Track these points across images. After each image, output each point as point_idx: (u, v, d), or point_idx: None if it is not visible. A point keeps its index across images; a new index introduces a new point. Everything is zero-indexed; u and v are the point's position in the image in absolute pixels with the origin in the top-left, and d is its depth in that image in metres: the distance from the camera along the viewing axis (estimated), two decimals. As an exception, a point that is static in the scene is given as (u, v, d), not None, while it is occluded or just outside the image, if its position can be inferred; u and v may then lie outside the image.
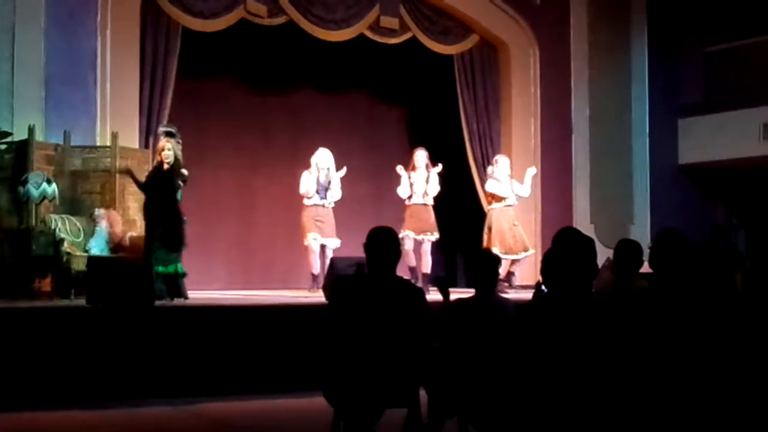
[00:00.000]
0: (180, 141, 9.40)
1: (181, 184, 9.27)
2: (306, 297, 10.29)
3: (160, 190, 9.12)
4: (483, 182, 12.79)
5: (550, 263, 4.00)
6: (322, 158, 10.94)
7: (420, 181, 11.21)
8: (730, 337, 3.87)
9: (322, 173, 10.90)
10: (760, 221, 14.82)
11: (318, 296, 10.22)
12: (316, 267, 10.89)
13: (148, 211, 9.22)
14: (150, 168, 9.63)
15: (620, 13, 14.35)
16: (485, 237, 11.68)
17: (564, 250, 3.99)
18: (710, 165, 14.48)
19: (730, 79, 14.24)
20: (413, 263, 11.19)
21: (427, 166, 11.26)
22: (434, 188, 11.27)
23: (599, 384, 3.89)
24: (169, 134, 9.35)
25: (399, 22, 12.57)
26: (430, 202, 11.35)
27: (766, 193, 14.78)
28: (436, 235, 11.42)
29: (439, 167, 11.26)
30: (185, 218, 9.38)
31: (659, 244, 4.70)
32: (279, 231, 12.78)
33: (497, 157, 12.03)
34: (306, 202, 10.91)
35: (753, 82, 13.83)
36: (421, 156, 11.29)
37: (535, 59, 13.57)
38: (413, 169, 11.27)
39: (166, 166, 9.16)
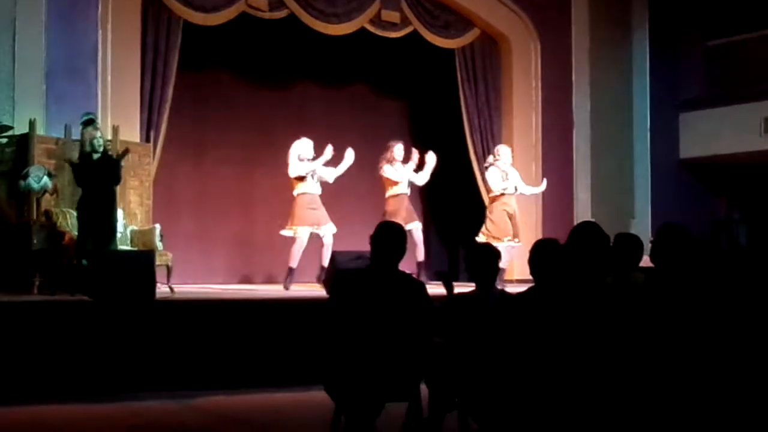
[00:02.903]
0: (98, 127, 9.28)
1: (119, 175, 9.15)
2: (283, 292, 10.21)
3: (101, 181, 8.90)
4: (483, 177, 12.79)
5: (565, 256, 4.03)
6: (306, 148, 10.77)
7: (404, 173, 11.22)
8: (730, 330, 3.87)
9: (307, 161, 10.73)
10: (761, 216, 14.81)
11: (289, 293, 10.15)
12: (296, 260, 10.72)
13: (85, 203, 8.92)
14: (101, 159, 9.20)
15: (621, 7, 14.34)
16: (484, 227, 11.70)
17: (587, 244, 4.03)
18: (711, 159, 14.47)
19: (731, 74, 14.23)
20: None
21: (404, 159, 11.28)
22: (425, 176, 11.34)
23: (599, 378, 3.89)
24: (92, 122, 9.20)
25: (400, 16, 12.55)
26: (418, 183, 11.44)
27: (767, 187, 14.77)
28: (420, 224, 11.47)
29: (434, 157, 11.30)
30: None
31: (661, 239, 4.69)
32: (279, 225, 12.77)
33: (498, 147, 12.00)
34: (299, 190, 10.71)
35: (754, 77, 13.82)
36: (400, 149, 11.29)
37: (536, 53, 13.56)
38: (392, 162, 11.23)
39: (96, 156, 8.99)
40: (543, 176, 13.04)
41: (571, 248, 4.37)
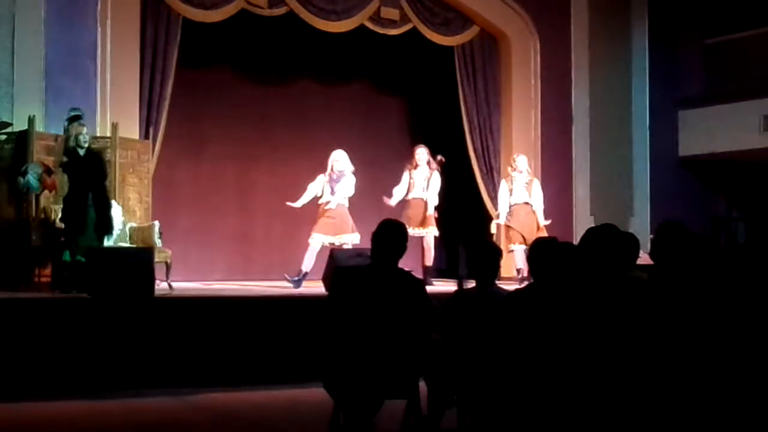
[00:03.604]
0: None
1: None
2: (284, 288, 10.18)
3: (87, 176, 9.01)
4: (483, 174, 12.80)
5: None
6: (341, 159, 10.84)
7: (420, 178, 11.26)
8: (730, 328, 3.87)
9: (336, 173, 10.78)
10: (760, 213, 14.81)
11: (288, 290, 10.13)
12: (308, 265, 10.62)
13: (73, 199, 8.99)
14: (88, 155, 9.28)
15: (621, 4, 14.32)
16: (504, 235, 11.69)
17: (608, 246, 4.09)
18: (710, 157, 14.46)
19: (730, 71, 14.22)
20: None
21: (428, 163, 11.31)
22: (436, 187, 11.35)
23: (597, 376, 3.89)
24: (78, 118, 9.34)
25: (399, 13, 12.54)
26: (429, 198, 11.36)
27: (766, 185, 14.77)
28: (436, 231, 11.43)
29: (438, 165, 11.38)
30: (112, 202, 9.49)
31: (661, 236, 4.69)
32: (278, 222, 12.77)
33: (515, 156, 11.99)
34: (322, 199, 10.76)
35: (753, 74, 13.81)
36: (422, 154, 11.34)
37: (536, 51, 13.54)
38: (415, 167, 11.34)
39: (82, 151, 9.07)
40: (542, 173, 13.07)
41: (585, 249, 4.40)
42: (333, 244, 10.57)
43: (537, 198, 11.61)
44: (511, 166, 11.79)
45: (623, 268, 5.01)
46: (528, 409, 4.11)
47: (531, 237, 11.34)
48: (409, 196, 11.33)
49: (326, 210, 10.69)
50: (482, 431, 4.99)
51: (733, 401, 3.76)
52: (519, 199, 11.54)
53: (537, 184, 11.71)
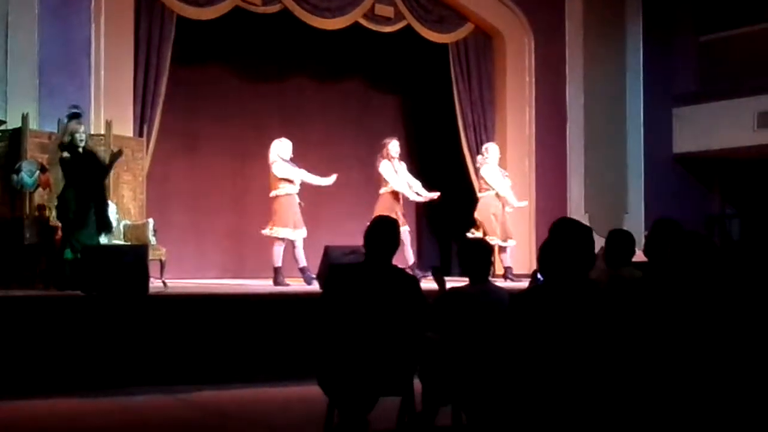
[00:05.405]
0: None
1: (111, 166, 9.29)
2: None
3: (93, 173, 9.01)
4: (477, 171, 12.79)
5: (547, 253, 4.01)
6: (285, 148, 10.58)
7: (402, 171, 11.19)
8: (724, 326, 3.88)
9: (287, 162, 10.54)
10: (754, 211, 14.84)
11: (283, 288, 10.01)
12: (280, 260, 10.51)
13: (79, 195, 8.92)
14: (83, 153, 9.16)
15: (615, 2, 14.34)
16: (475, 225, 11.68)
17: (561, 240, 4.00)
18: (705, 154, 14.48)
19: (724, 69, 14.25)
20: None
21: (399, 158, 11.24)
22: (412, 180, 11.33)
23: (593, 374, 3.89)
24: (78, 116, 9.26)
25: (394, 11, 12.54)
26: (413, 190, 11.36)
27: (760, 182, 14.79)
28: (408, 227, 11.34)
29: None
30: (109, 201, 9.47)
31: (655, 233, 4.70)
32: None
33: (487, 145, 12.01)
34: (287, 191, 10.43)
35: (748, 72, 13.83)
36: (394, 146, 11.16)
37: (530, 48, 13.55)
38: (390, 158, 11.12)
39: (81, 149, 9.02)
40: (536, 170, 13.13)
41: (553, 246, 4.34)
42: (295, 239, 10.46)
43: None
44: (482, 155, 11.77)
45: (618, 263, 5.02)
46: (524, 406, 4.11)
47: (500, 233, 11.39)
48: (387, 189, 11.11)
49: (292, 202, 10.47)
50: (477, 428, 4.99)
51: (727, 398, 3.76)
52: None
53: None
